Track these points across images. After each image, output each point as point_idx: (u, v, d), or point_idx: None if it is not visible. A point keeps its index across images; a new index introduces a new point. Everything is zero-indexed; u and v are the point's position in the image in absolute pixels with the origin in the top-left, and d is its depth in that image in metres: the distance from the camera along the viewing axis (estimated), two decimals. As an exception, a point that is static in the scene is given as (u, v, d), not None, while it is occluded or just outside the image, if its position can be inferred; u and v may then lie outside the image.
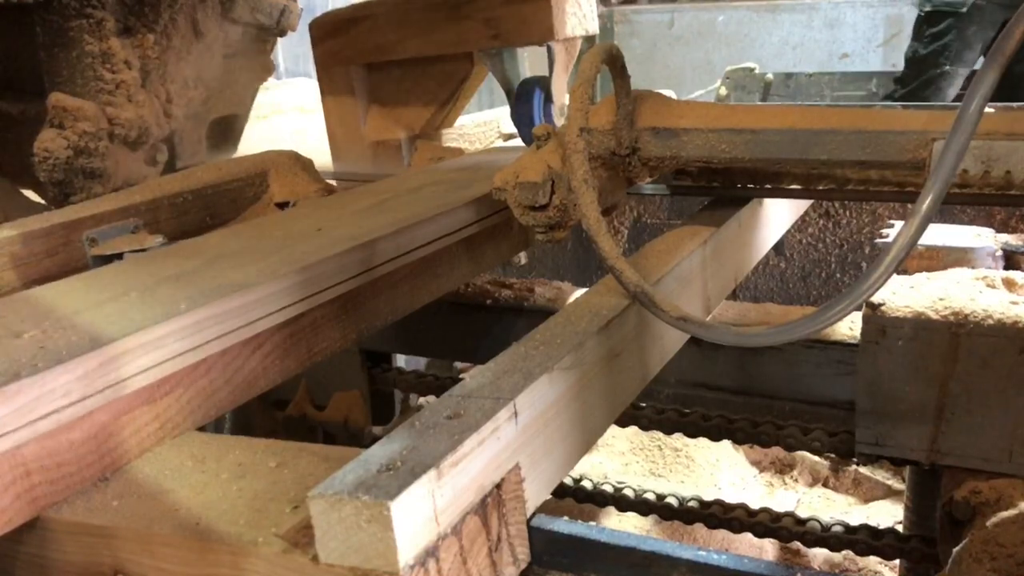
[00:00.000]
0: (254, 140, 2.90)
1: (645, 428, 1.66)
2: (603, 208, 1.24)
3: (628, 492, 1.68)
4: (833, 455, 1.60)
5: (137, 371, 0.92)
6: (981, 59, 4.03)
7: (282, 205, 1.89)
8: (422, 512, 0.71)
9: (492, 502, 0.80)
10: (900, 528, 1.63)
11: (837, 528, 1.50)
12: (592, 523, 1.88)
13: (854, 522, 1.51)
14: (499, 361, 0.95)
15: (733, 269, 1.57)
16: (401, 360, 2.15)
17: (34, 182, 2.25)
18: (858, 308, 1.05)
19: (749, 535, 1.56)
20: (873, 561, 2.34)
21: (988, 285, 1.37)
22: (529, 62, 2.33)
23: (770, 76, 4.57)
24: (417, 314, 1.48)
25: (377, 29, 2.26)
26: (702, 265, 1.39)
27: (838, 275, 3.01)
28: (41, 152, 2.03)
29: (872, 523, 1.51)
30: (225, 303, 1.04)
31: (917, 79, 4.21)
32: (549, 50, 2.15)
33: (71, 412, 0.85)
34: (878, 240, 1.65)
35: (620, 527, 2.46)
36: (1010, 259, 1.62)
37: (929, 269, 1.48)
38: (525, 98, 2.18)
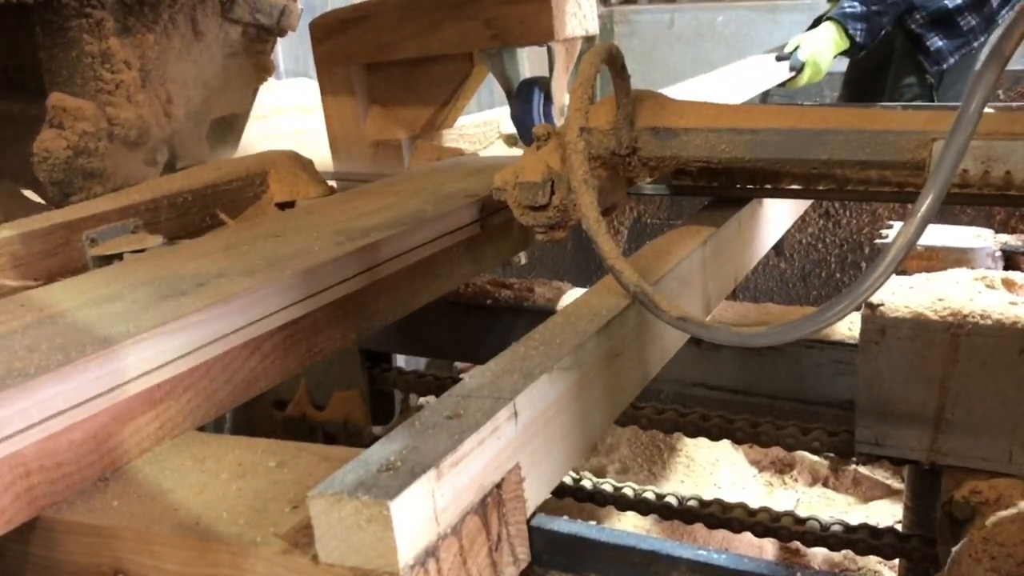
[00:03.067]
0: (254, 140, 2.90)
1: (645, 428, 1.66)
2: (603, 208, 1.24)
3: (628, 491, 1.68)
4: (833, 455, 1.60)
5: (138, 373, 0.92)
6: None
7: (282, 205, 1.89)
8: (422, 512, 0.71)
9: (492, 502, 0.80)
10: (900, 528, 1.63)
11: (837, 528, 1.50)
12: (592, 522, 1.88)
13: (854, 521, 1.51)
14: (499, 361, 0.95)
15: (733, 269, 1.57)
16: (401, 360, 2.15)
17: (34, 182, 2.25)
18: (858, 308, 1.05)
19: (749, 535, 1.56)
20: (873, 561, 2.34)
21: (987, 285, 1.37)
22: (529, 62, 2.33)
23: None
24: (417, 314, 1.48)
25: (377, 29, 2.26)
26: (702, 265, 1.39)
27: (838, 275, 3.01)
28: (41, 152, 2.03)
29: (872, 523, 1.51)
30: (225, 305, 1.04)
31: None
32: (549, 50, 2.15)
33: (72, 415, 0.85)
34: (878, 240, 1.65)
35: (620, 526, 2.46)
36: (1010, 259, 1.62)
37: (929, 269, 1.48)
38: (525, 98, 2.18)
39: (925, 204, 0.94)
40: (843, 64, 3.74)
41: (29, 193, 2.45)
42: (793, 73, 3.32)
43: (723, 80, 3.18)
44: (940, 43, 3.38)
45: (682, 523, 1.71)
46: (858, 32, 3.26)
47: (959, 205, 2.49)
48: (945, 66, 3.42)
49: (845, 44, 3.31)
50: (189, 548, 0.79)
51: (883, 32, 3.36)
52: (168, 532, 0.80)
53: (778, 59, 3.36)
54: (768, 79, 3.31)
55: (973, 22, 3.35)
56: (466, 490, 0.77)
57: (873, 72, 3.65)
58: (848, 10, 3.28)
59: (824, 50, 3.29)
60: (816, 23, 3.42)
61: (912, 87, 3.47)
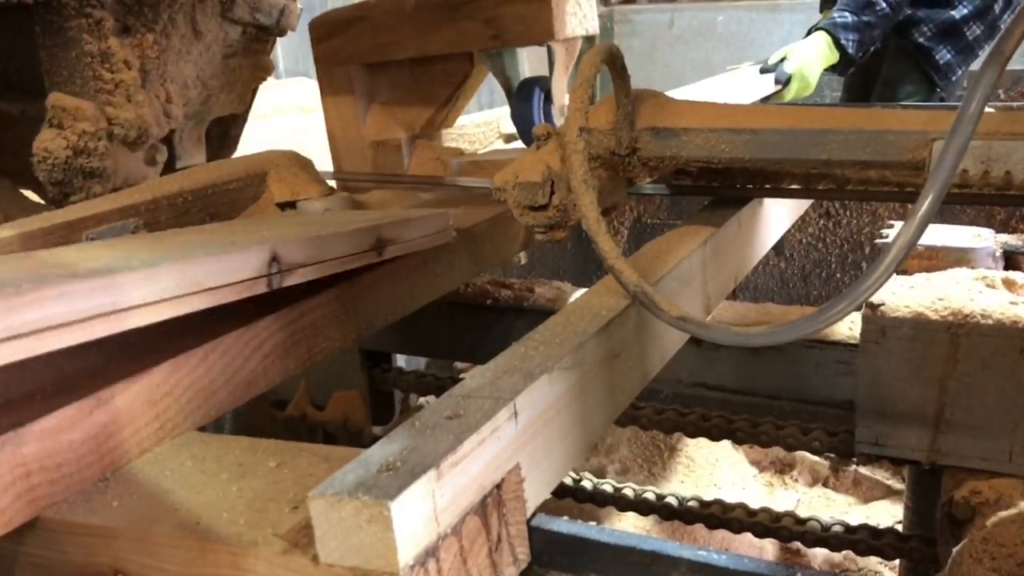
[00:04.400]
0: (254, 140, 2.90)
1: (645, 428, 1.66)
2: (603, 208, 1.24)
3: (628, 492, 1.68)
4: (833, 455, 1.60)
5: (137, 303, 0.89)
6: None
7: (283, 205, 1.89)
8: (422, 512, 0.71)
9: (492, 502, 0.80)
10: (900, 528, 1.63)
11: (837, 528, 1.50)
12: (592, 522, 1.88)
13: (854, 522, 1.51)
14: (499, 361, 0.95)
15: (733, 269, 1.57)
16: (401, 360, 2.15)
17: (34, 182, 2.25)
18: (858, 308, 1.05)
19: (749, 535, 1.56)
20: (873, 561, 2.34)
21: (988, 285, 1.37)
22: (529, 62, 2.33)
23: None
24: (417, 314, 1.48)
25: (377, 29, 2.26)
26: (702, 265, 1.39)
27: (838, 275, 3.01)
28: (41, 152, 2.03)
29: (872, 523, 1.51)
30: (223, 256, 1.00)
31: None
32: (549, 50, 2.15)
33: (77, 330, 0.82)
34: (878, 240, 1.65)
35: (620, 527, 2.46)
36: (1010, 259, 1.62)
37: (929, 269, 1.48)
38: (525, 98, 2.18)
39: (925, 204, 0.94)
40: None
41: (29, 193, 2.45)
42: (779, 87, 3.13)
43: (700, 94, 2.98)
44: (948, 56, 3.33)
45: (682, 523, 1.71)
46: (850, 43, 3.13)
47: (959, 205, 2.49)
48: (954, 78, 3.38)
49: (835, 57, 3.16)
50: (189, 548, 0.79)
51: (874, 47, 3.26)
52: (168, 532, 0.80)
53: (762, 71, 3.19)
54: (751, 93, 3.07)
55: (978, 31, 3.32)
56: (466, 490, 0.77)
57: (875, 74, 3.62)
58: (839, 20, 3.15)
59: (812, 62, 3.13)
60: (809, 34, 3.27)
61: (907, 86, 3.44)
